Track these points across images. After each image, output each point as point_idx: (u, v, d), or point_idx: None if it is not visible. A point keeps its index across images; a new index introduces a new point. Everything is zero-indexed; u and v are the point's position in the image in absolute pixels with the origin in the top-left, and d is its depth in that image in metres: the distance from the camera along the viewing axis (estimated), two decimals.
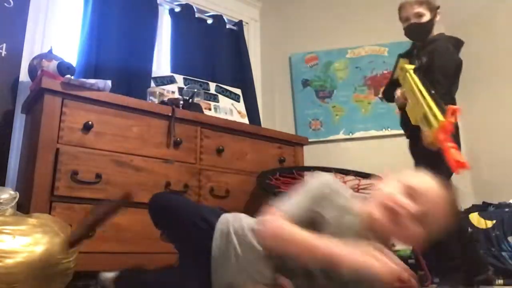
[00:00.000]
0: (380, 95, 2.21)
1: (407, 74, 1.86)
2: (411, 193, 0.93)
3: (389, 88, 2.18)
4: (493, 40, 2.94)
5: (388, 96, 2.23)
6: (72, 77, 1.88)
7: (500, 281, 2.05)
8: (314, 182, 1.00)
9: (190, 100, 2.30)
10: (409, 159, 2.98)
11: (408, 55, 2.12)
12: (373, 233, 0.94)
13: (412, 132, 1.97)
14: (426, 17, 2.02)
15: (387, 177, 1.03)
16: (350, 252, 0.85)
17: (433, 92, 1.63)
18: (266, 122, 3.02)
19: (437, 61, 1.95)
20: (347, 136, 3.18)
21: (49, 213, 1.63)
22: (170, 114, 2.08)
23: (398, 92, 2.01)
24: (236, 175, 2.24)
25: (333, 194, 0.97)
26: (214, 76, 2.88)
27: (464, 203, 2.51)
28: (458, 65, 2.01)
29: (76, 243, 1.32)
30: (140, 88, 2.44)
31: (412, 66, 1.90)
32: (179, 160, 2.06)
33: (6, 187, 1.64)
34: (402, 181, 0.97)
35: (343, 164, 2.53)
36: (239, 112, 2.81)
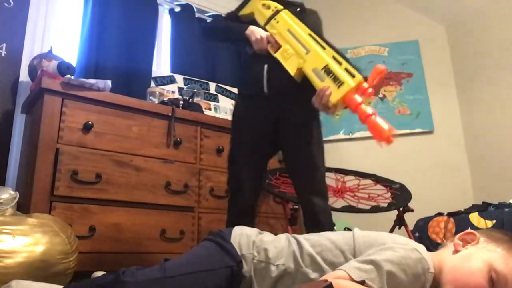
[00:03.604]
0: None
1: (282, 14, 1.50)
2: (495, 280, 0.82)
3: (226, 25, 1.68)
4: (494, 39, 2.94)
5: (226, 32, 1.67)
6: (72, 77, 1.88)
7: None
8: (408, 258, 0.83)
9: (190, 100, 2.30)
10: (409, 160, 2.98)
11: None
12: None
13: (280, 87, 1.52)
14: None
15: (474, 239, 0.90)
16: None
17: (331, 43, 1.35)
18: None
19: (320, 30, 1.66)
20: (347, 136, 3.17)
21: (49, 213, 1.63)
22: (170, 114, 2.08)
23: (261, 33, 1.51)
24: None
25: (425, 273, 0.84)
26: (214, 76, 2.88)
27: (464, 203, 2.51)
28: None
29: None
30: (140, 88, 2.44)
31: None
32: (179, 160, 2.06)
33: (6, 187, 1.63)
34: (491, 262, 0.83)
35: (343, 164, 2.53)
36: None
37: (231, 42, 1.83)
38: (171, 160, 2.03)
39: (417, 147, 3.02)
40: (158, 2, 2.81)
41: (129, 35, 2.57)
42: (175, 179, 2.00)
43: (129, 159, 1.90)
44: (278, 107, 1.55)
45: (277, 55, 1.45)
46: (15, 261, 1.23)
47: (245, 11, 1.65)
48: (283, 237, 0.99)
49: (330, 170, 2.31)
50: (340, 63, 1.29)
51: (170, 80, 2.66)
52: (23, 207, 1.64)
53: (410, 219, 2.25)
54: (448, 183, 2.94)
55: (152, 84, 2.55)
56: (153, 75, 2.61)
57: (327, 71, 1.28)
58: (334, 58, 1.31)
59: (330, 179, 2.35)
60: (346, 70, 1.26)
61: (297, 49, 1.40)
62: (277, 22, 1.50)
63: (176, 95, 2.50)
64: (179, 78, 2.69)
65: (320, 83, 1.29)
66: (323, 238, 0.96)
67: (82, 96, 1.85)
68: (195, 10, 2.99)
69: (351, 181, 2.44)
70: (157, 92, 2.32)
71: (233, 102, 2.83)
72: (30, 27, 2.28)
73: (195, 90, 2.49)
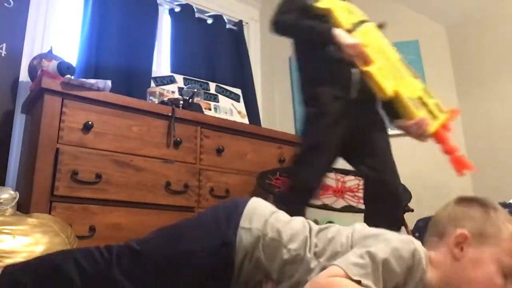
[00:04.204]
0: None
1: (372, 28, 1.51)
2: (508, 273, 0.84)
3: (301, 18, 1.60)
4: (494, 39, 2.94)
5: (309, 32, 1.58)
6: (72, 77, 1.88)
7: None
8: (401, 248, 0.83)
9: (190, 100, 2.30)
10: (409, 160, 2.97)
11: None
12: None
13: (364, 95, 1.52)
14: None
15: (465, 237, 0.89)
16: None
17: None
18: (266, 122, 3.02)
19: None
20: None
21: (49, 213, 1.63)
22: (170, 114, 2.08)
23: (350, 39, 1.44)
24: (236, 175, 2.24)
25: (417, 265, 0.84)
26: (214, 76, 2.88)
27: None
28: None
29: None
30: (140, 88, 2.44)
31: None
32: (179, 160, 2.06)
33: (6, 187, 1.64)
34: (498, 258, 0.85)
35: (343, 164, 2.53)
36: (239, 112, 2.81)
37: (309, 42, 1.68)
38: (171, 160, 2.03)
39: (417, 147, 3.01)
40: (158, 2, 2.81)
41: (129, 35, 2.58)
42: (175, 179, 2.00)
43: (129, 159, 1.90)
44: (359, 112, 1.56)
45: (372, 69, 1.38)
46: (15, 261, 1.22)
47: (324, 4, 1.54)
48: (299, 220, 0.98)
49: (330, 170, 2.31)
50: (431, 97, 1.37)
51: (170, 80, 2.66)
52: (23, 207, 1.64)
53: (410, 219, 2.25)
54: (448, 183, 2.94)
55: (152, 84, 2.55)
56: (153, 75, 2.61)
57: (422, 102, 1.35)
58: (425, 90, 1.38)
59: (330, 179, 2.35)
60: (436, 105, 1.36)
61: (392, 71, 1.40)
62: (367, 34, 1.47)
63: (176, 95, 2.49)
64: (179, 78, 2.69)
65: (417, 112, 1.35)
66: (329, 229, 0.96)
67: (82, 96, 1.85)
68: (195, 10, 2.99)
69: (351, 181, 2.44)
70: (157, 92, 2.32)
71: (233, 102, 2.83)
72: (30, 27, 2.28)
73: (195, 90, 2.49)
